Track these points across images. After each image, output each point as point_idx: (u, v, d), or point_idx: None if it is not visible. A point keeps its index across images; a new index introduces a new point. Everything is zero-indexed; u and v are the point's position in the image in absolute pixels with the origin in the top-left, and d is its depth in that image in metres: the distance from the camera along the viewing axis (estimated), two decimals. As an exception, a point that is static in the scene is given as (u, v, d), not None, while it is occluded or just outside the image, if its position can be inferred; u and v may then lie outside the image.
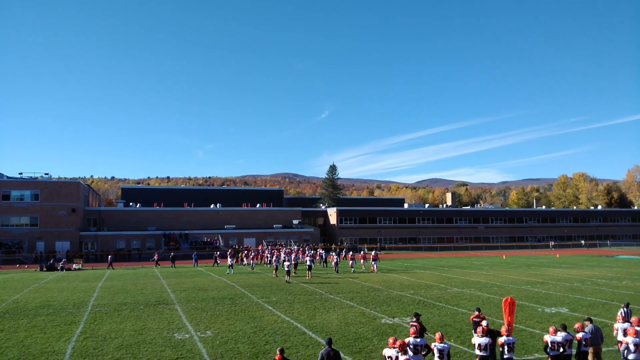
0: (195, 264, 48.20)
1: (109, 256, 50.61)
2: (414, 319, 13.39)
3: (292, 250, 50.90)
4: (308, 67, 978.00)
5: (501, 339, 11.45)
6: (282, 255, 43.78)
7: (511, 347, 11.31)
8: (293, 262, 39.64)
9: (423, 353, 10.84)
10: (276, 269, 36.55)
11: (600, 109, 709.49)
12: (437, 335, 11.08)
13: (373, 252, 42.03)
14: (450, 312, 20.35)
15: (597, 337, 12.13)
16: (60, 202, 61.86)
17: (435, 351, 10.72)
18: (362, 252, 47.19)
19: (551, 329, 11.65)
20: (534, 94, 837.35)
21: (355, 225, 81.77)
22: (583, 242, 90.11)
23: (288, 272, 32.34)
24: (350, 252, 49.94)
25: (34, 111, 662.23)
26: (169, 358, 13.49)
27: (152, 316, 19.88)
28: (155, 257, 49.56)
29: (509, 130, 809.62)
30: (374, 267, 40.00)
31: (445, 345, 10.82)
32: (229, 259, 40.31)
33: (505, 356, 11.30)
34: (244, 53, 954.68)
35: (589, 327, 12.30)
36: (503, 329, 11.76)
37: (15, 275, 41.01)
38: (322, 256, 47.69)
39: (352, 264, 41.92)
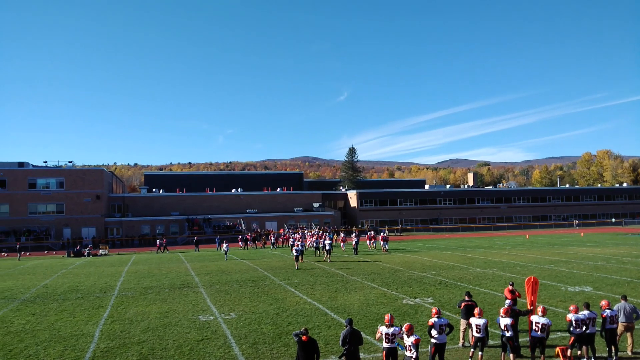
0: (219, 248, 48.77)
1: (158, 240, 50.04)
2: (467, 298, 13.28)
3: (304, 233, 50.79)
4: (326, 48, 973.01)
5: (540, 319, 11.20)
6: (293, 238, 42.92)
7: (543, 327, 11.10)
8: (303, 247, 35.79)
9: (446, 332, 10.90)
10: (302, 253, 33.92)
11: (624, 84, 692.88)
12: (434, 310, 11.12)
13: (382, 234, 44.07)
14: (472, 292, 20.28)
15: (631, 315, 11.98)
16: (84, 190, 62.99)
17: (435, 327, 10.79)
18: (368, 234, 47.35)
19: (572, 307, 11.57)
20: (557, 70, 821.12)
21: (375, 208, 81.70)
22: (613, 219, 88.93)
23: (297, 258, 30.68)
24: (368, 233, 49.47)
25: (58, 100, 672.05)
26: (194, 339, 13.78)
27: (177, 299, 20.27)
28: (164, 242, 49.35)
29: (532, 108, 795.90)
30: (385, 247, 41.24)
31: (442, 321, 10.86)
32: (224, 245, 39.87)
33: (534, 335, 11.24)
34: (263, 36, 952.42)
35: (621, 304, 12.13)
36: (539, 308, 11.56)
37: (44, 261, 42.07)
38: (343, 239, 47.49)
39: (371, 243, 44.30)
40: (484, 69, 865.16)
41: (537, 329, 11.12)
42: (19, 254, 44.83)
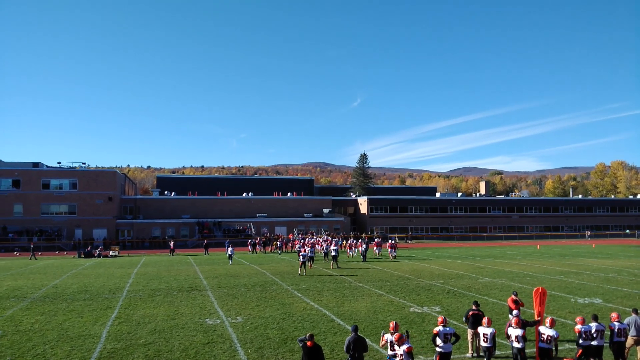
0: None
1: (171, 243, 49.67)
2: (474, 307, 13.34)
3: (312, 239, 50.81)
4: (342, 54, 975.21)
5: (546, 331, 11.16)
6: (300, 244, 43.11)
7: (550, 339, 11.04)
8: (312, 253, 36.36)
9: (452, 342, 10.84)
10: (312, 260, 34.80)
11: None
12: (440, 318, 11.12)
13: (391, 241, 44.83)
14: (480, 301, 20.11)
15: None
16: (97, 191, 63.56)
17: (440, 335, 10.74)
18: (375, 241, 48.04)
19: (579, 319, 11.45)
20: (573, 80, 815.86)
21: (385, 215, 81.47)
22: (628, 231, 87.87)
23: (303, 264, 30.02)
24: (376, 240, 49.43)
25: (74, 101, 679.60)
26: (200, 342, 13.82)
27: (185, 302, 20.35)
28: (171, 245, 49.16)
29: (547, 117, 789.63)
30: (392, 254, 41.92)
31: (448, 330, 10.81)
32: (229, 249, 38.74)
33: (541, 346, 11.14)
34: (276, 41, 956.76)
35: (632, 317, 11.98)
36: (547, 320, 11.51)
37: (55, 261, 42.47)
38: (350, 245, 46.52)
39: (378, 250, 44.75)
40: (500, 77, 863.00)
41: (544, 339, 11.05)
42: (32, 254, 45.31)
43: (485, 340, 11.26)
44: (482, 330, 11.38)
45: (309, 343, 9.67)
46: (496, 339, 12.04)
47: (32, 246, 46.92)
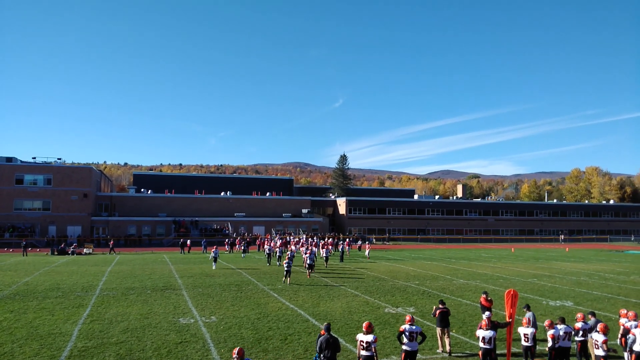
0: (204, 251, 48.69)
1: (111, 242, 50.80)
2: (441, 306, 13.71)
3: (304, 242, 50.77)
4: (324, 54, 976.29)
5: (525, 330, 11.58)
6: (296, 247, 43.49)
7: (530, 337, 11.51)
8: (313, 261, 30.44)
9: (418, 341, 10.99)
10: (312, 267, 29.99)
11: (616, 102, 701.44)
12: (407, 317, 11.29)
13: (364, 243, 46.94)
14: (454, 303, 20.40)
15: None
16: (72, 187, 62.54)
17: (406, 333, 10.93)
18: (348, 242, 49.45)
19: (547, 322, 11.73)
20: (549, 86, 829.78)
21: (364, 216, 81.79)
22: (561, 237, 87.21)
23: (288, 273, 26.16)
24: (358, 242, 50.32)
25: (49, 96, 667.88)
26: (173, 342, 13.70)
27: (159, 301, 20.16)
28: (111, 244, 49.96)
29: (524, 122, 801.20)
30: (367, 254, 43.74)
31: (414, 328, 10.99)
32: (212, 250, 34.74)
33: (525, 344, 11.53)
34: (257, 40, 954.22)
35: (591, 320, 12.39)
36: (523, 321, 11.89)
37: (27, 258, 41.66)
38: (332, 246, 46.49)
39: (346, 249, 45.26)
40: (479, 82, 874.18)
41: (525, 339, 11.50)
42: (23, 250, 44.09)
43: (525, 340, 11.47)
44: (522, 330, 11.62)
45: (321, 332, 10.15)
46: (536, 338, 12.17)
47: (24, 243, 45.15)
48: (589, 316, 12.69)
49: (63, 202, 62.00)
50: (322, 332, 10.29)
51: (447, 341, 13.19)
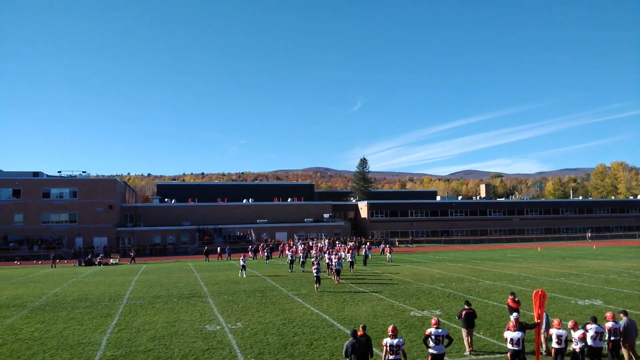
0: (229, 258, 49.01)
1: (132, 252, 51.47)
2: (466, 307, 13.64)
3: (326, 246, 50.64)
4: (341, 57, 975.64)
5: (553, 331, 11.31)
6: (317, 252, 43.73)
7: (563, 339, 11.20)
8: (340, 266, 29.43)
9: (445, 344, 10.88)
10: (339, 273, 29.05)
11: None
12: (433, 320, 11.16)
13: (386, 246, 47.22)
14: (480, 304, 20.17)
15: (632, 331, 11.89)
16: (97, 199, 63.63)
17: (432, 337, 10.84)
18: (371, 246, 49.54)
19: (571, 324, 11.52)
20: (572, 81, 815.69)
21: (386, 219, 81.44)
22: (588, 235, 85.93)
23: (318, 279, 25.56)
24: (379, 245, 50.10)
25: (74, 109, 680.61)
26: (200, 349, 13.82)
27: (185, 308, 20.36)
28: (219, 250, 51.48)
29: (547, 119, 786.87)
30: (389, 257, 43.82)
31: (440, 331, 10.87)
32: (241, 259, 34.49)
33: (555, 347, 11.26)
34: (276, 45, 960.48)
35: (623, 320, 12.05)
36: (554, 322, 11.63)
37: (55, 270, 42.47)
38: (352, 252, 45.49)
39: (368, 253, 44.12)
40: (499, 80, 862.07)
41: (559, 341, 11.22)
42: (52, 262, 46.73)
43: (558, 342, 11.27)
44: (554, 332, 11.35)
45: (359, 332, 10.24)
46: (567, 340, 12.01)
47: (52, 255, 48.01)
48: (620, 315, 12.38)
49: (89, 214, 63.09)
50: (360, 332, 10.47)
51: (469, 340, 13.17)
